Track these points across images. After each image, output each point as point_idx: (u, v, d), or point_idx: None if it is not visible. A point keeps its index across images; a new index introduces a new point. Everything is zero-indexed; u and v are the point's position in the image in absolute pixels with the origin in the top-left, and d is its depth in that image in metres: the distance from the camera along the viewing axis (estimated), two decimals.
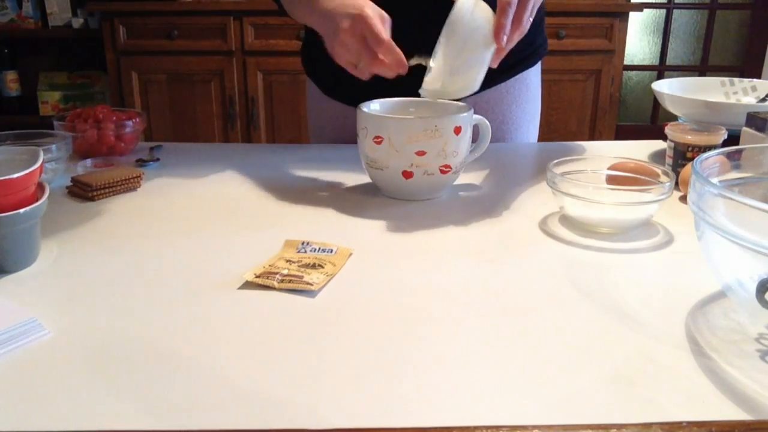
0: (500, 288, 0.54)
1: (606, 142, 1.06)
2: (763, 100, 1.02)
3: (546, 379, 0.41)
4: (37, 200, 0.57)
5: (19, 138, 0.83)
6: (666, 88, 1.00)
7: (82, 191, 0.76)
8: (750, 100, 1.03)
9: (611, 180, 0.71)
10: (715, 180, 0.50)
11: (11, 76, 2.78)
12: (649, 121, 3.27)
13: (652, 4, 3.08)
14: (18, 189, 0.55)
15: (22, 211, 0.55)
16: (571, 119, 2.60)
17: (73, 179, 0.78)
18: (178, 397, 0.40)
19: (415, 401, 0.39)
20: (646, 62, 3.20)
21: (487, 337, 0.46)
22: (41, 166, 0.58)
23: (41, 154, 0.59)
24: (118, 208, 0.74)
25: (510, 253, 0.61)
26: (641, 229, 0.66)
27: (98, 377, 0.41)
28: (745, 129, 0.82)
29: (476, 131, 0.79)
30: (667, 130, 0.82)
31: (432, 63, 0.71)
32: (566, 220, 0.69)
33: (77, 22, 2.69)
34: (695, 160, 0.48)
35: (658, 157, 0.94)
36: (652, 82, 1.06)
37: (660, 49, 3.18)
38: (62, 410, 0.38)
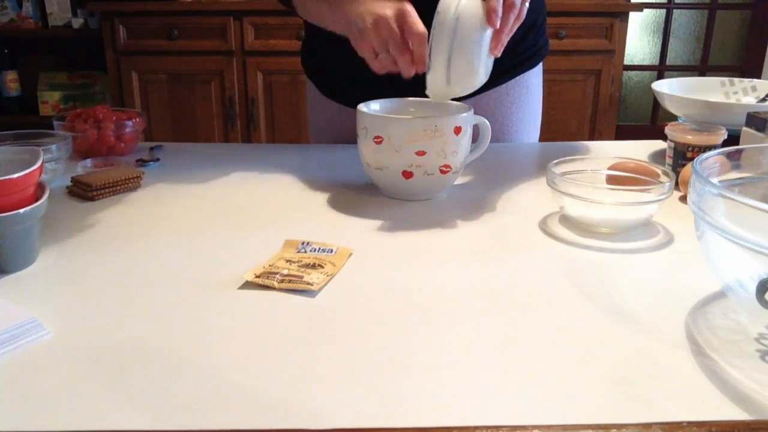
0: (500, 288, 0.54)
1: (606, 142, 1.06)
2: (763, 100, 1.02)
3: (546, 379, 0.41)
4: (37, 200, 0.57)
5: (19, 138, 0.83)
6: (666, 88, 1.00)
7: (82, 191, 0.76)
8: (750, 100, 1.03)
9: (611, 180, 0.71)
10: (715, 180, 0.50)
11: (11, 76, 2.78)
12: (649, 121, 3.26)
13: (652, 4, 3.08)
14: (18, 189, 0.55)
15: (22, 211, 0.55)
16: (571, 119, 2.60)
17: (73, 179, 0.78)
18: (178, 397, 0.40)
19: (415, 401, 0.39)
20: (646, 62, 3.20)
21: (487, 337, 0.46)
22: (41, 166, 0.58)
23: (41, 154, 0.59)
24: (118, 208, 0.74)
25: (510, 253, 0.61)
26: (641, 229, 0.66)
27: (98, 377, 0.41)
28: (745, 129, 0.82)
29: (476, 131, 0.79)
30: (667, 130, 0.82)
31: (430, 63, 0.70)
32: (566, 220, 0.69)
33: (77, 22, 2.69)
34: (695, 160, 0.48)
35: (658, 157, 0.94)
36: (652, 82, 1.06)
37: (660, 49, 3.18)
38: (62, 410, 0.38)
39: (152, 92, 2.55)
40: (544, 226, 0.68)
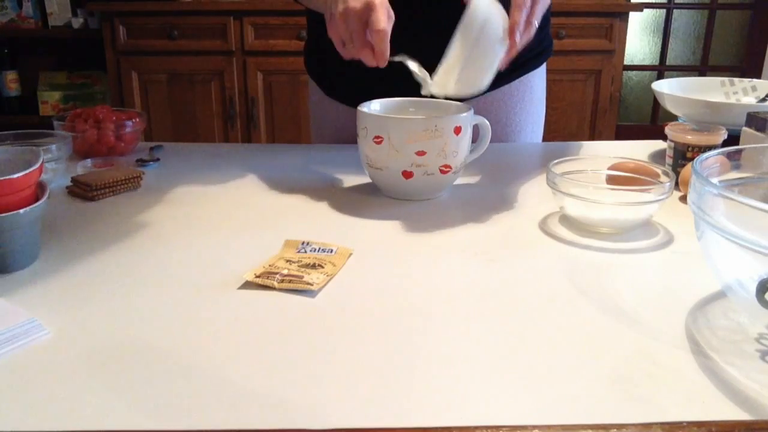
0: (500, 288, 0.54)
1: (606, 142, 1.06)
2: (763, 100, 1.02)
3: (546, 379, 0.41)
4: (37, 200, 0.57)
5: (19, 138, 0.83)
6: (666, 88, 1.00)
7: (82, 191, 0.76)
8: (750, 100, 1.03)
9: (611, 180, 0.71)
10: (715, 180, 0.50)
11: (11, 76, 2.78)
12: (649, 121, 3.27)
13: (652, 4, 3.08)
14: (18, 189, 0.55)
15: (22, 211, 0.55)
16: (571, 119, 2.60)
17: (73, 179, 0.78)
18: (178, 397, 0.40)
19: (415, 401, 0.39)
20: (646, 62, 3.20)
21: (487, 337, 0.46)
22: (41, 166, 0.58)
23: (41, 154, 0.59)
24: (118, 208, 0.74)
25: (510, 253, 0.61)
26: (641, 229, 0.66)
27: (98, 377, 0.41)
28: (745, 129, 0.82)
29: (476, 131, 0.79)
30: (667, 130, 0.82)
31: (444, 60, 0.70)
32: (566, 220, 0.69)
33: (77, 22, 2.69)
34: (695, 160, 0.48)
35: (658, 157, 0.94)
36: (652, 82, 1.06)
37: (660, 49, 3.18)
38: (62, 410, 0.38)
39: (152, 92, 2.55)
40: (544, 226, 0.68)
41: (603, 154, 0.75)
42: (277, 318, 0.49)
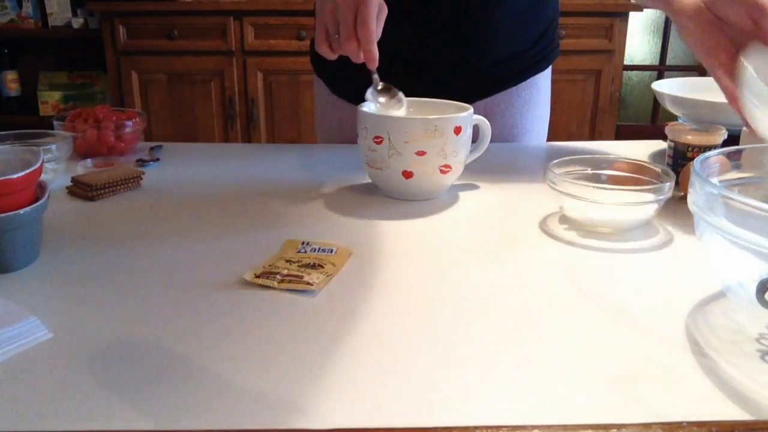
0: (500, 288, 0.54)
1: (606, 142, 1.06)
2: None
3: (546, 379, 0.41)
4: (37, 200, 0.57)
5: (19, 138, 0.83)
6: (666, 88, 1.00)
7: (82, 191, 0.76)
8: None
9: (611, 180, 0.71)
10: (715, 180, 0.50)
11: (11, 76, 2.78)
12: (649, 121, 3.26)
13: None
14: (18, 189, 0.55)
15: (22, 211, 0.55)
16: (571, 119, 2.60)
17: (73, 179, 0.78)
18: (178, 397, 0.40)
19: (415, 401, 0.39)
20: (646, 62, 3.20)
21: (486, 337, 0.46)
22: (41, 166, 0.58)
23: (41, 154, 0.59)
24: (118, 208, 0.74)
25: (510, 253, 0.61)
26: (641, 229, 0.66)
27: (98, 377, 0.41)
28: (745, 129, 0.82)
29: (476, 131, 0.79)
30: (667, 130, 0.82)
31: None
32: (566, 220, 0.69)
33: (77, 22, 2.69)
34: (695, 160, 0.48)
35: (658, 157, 0.94)
36: (652, 82, 1.06)
37: (660, 49, 3.17)
38: (62, 410, 0.38)
39: (152, 92, 2.55)
40: (544, 226, 0.68)
41: (603, 154, 0.75)
42: (277, 318, 0.49)
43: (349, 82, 1.01)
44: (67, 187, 0.79)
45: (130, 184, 0.80)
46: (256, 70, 2.51)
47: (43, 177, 0.60)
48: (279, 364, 0.43)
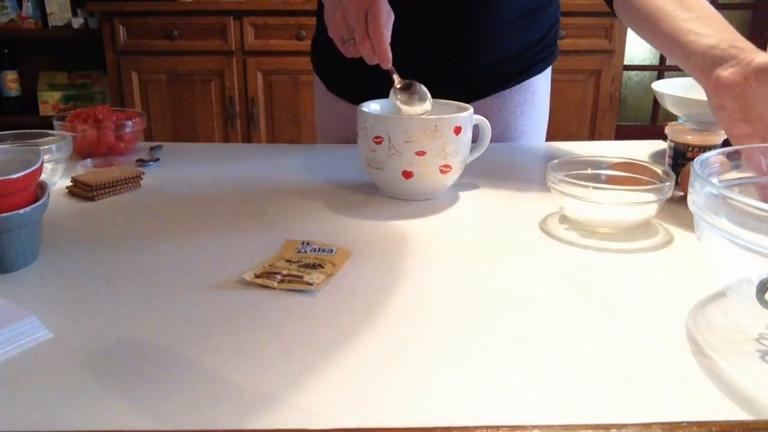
0: (500, 288, 0.54)
1: (606, 142, 1.06)
2: None
3: (546, 379, 0.41)
4: (37, 200, 0.57)
5: (19, 138, 0.83)
6: (666, 88, 0.99)
7: (82, 191, 0.76)
8: None
9: (611, 180, 0.71)
10: (715, 180, 0.50)
11: (11, 76, 2.78)
12: (649, 121, 3.26)
13: None
14: (18, 189, 0.55)
15: (22, 211, 0.55)
16: (571, 119, 2.60)
17: (73, 179, 0.78)
18: (178, 397, 0.40)
19: (415, 401, 0.39)
20: (646, 62, 3.20)
21: (486, 337, 0.46)
22: (41, 166, 0.58)
23: (41, 154, 0.59)
24: (118, 208, 0.74)
25: (510, 253, 0.61)
26: (641, 229, 0.66)
27: (98, 377, 0.41)
28: None
29: (476, 131, 0.79)
30: (667, 130, 0.82)
31: None
32: (566, 220, 0.69)
33: (77, 22, 2.69)
34: (695, 160, 0.48)
35: (658, 157, 0.94)
36: (652, 82, 1.06)
37: None
38: (62, 410, 0.38)
39: (152, 92, 2.55)
40: (544, 226, 0.68)
41: (603, 154, 0.75)
42: (277, 318, 0.49)
43: (347, 81, 1.01)
44: (67, 187, 0.79)
45: (130, 184, 0.80)
46: (256, 70, 2.51)
47: (43, 177, 0.60)
48: (279, 365, 0.43)
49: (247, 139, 2.59)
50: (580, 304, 0.51)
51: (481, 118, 0.79)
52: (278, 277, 0.54)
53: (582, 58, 2.52)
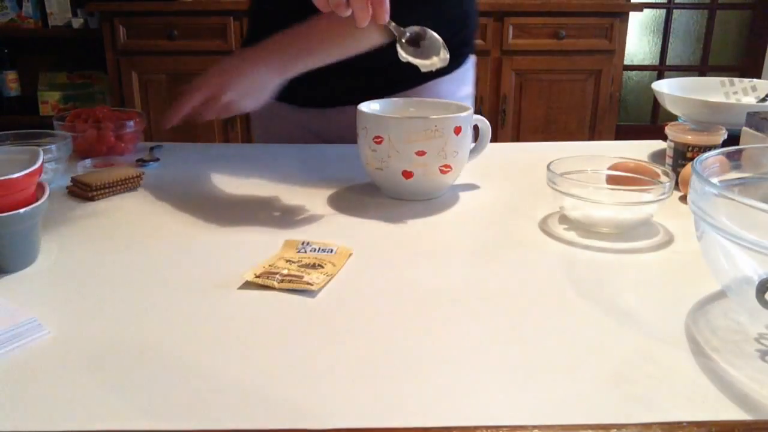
0: (500, 288, 0.54)
1: (606, 142, 1.06)
2: (763, 100, 1.02)
3: (546, 379, 0.41)
4: (37, 200, 0.57)
5: (19, 138, 0.83)
6: (666, 88, 1.00)
7: (82, 191, 0.76)
8: (750, 100, 1.03)
9: (611, 180, 0.71)
10: (715, 180, 0.50)
11: (11, 76, 2.78)
12: (649, 121, 3.27)
13: (652, 4, 3.08)
14: (18, 189, 0.55)
15: (22, 211, 0.55)
16: (571, 119, 2.60)
17: (73, 179, 0.78)
18: (178, 397, 0.40)
19: (415, 401, 0.39)
20: (646, 62, 3.20)
21: (487, 337, 0.46)
22: (41, 166, 0.58)
23: (41, 154, 0.59)
24: (118, 208, 0.74)
25: (510, 253, 0.61)
26: (641, 229, 0.66)
27: (98, 377, 0.41)
28: (745, 129, 0.82)
29: (476, 131, 0.79)
30: (667, 130, 0.82)
31: None
32: (566, 220, 0.69)
33: (77, 22, 2.69)
34: (695, 160, 0.48)
35: (658, 157, 0.94)
36: (652, 82, 1.06)
37: (660, 49, 3.18)
38: (62, 410, 0.38)
39: (152, 92, 2.55)
40: (544, 226, 0.68)
41: (603, 154, 0.75)
42: (277, 318, 0.49)
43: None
44: (67, 187, 0.79)
45: (129, 184, 0.80)
46: None
47: (43, 177, 0.60)
48: (279, 364, 0.43)
49: (247, 139, 2.59)
50: (580, 304, 0.51)
51: (481, 118, 0.79)
52: (278, 277, 0.54)
53: (582, 58, 2.52)
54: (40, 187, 0.59)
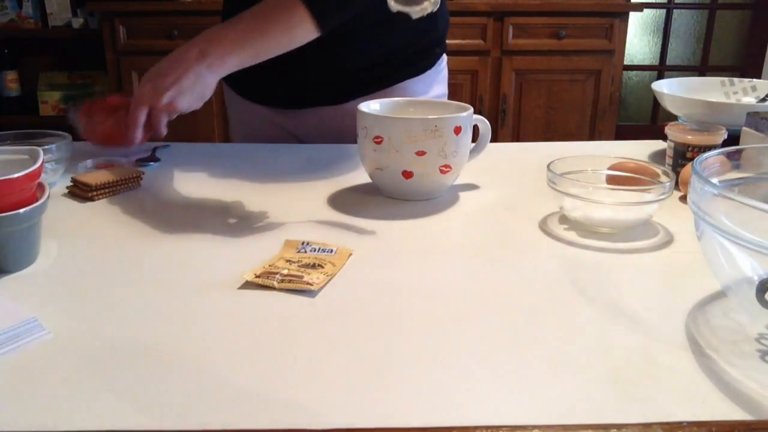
0: (500, 288, 0.54)
1: (606, 142, 1.06)
2: (763, 100, 1.02)
3: (546, 379, 0.41)
4: (37, 200, 0.57)
5: (19, 138, 0.83)
6: (666, 88, 1.00)
7: (82, 191, 0.76)
8: (750, 100, 1.03)
9: (611, 180, 0.71)
10: (715, 180, 0.50)
11: (11, 76, 2.77)
12: (649, 121, 3.26)
13: (652, 4, 3.08)
14: (18, 189, 0.55)
15: (22, 211, 0.55)
16: (571, 119, 2.59)
17: (73, 179, 0.78)
18: (178, 397, 0.40)
19: (415, 401, 0.39)
20: (646, 62, 3.20)
21: (487, 337, 0.46)
22: (41, 166, 0.58)
23: (41, 154, 0.59)
24: (118, 208, 0.74)
25: (510, 253, 0.61)
26: (641, 229, 0.66)
27: (98, 377, 0.41)
28: (745, 129, 0.82)
29: (476, 131, 0.79)
30: (667, 130, 0.82)
31: None
32: (566, 220, 0.69)
33: (77, 22, 2.69)
34: (695, 160, 0.48)
35: (658, 157, 0.94)
36: (652, 82, 1.06)
37: (660, 49, 3.18)
38: (62, 410, 0.38)
39: None
40: (544, 226, 0.68)
41: (603, 154, 0.75)
42: (277, 318, 0.49)
43: (255, 84, 1.02)
44: (67, 187, 0.79)
45: (129, 184, 0.80)
46: None
47: (43, 177, 0.60)
48: (279, 364, 0.43)
49: None
50: (580, 304, 0.51)
51: (481, 118, 0.79)
52: (278, 277, 0.54)
53: (582, 58, 2.52)
54: (40, 187, 0.59)
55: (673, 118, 1.00)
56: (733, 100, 1.04)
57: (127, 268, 0.58)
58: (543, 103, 2.57)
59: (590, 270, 0.57)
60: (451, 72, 1.13)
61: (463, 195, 0.78)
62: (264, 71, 0.84)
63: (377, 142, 0.72)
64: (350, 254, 0.60)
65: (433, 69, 1.04)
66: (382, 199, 0.77)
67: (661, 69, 3.18)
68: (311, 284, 0.53)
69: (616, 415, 0.38)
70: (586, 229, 0.66)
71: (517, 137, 2.59)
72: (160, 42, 2.48)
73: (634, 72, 3.20)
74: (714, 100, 0.94)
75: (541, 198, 0.76)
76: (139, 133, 0.76)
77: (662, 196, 0.63)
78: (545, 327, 0.48)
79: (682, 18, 3.15)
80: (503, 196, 0.77)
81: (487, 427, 0.37)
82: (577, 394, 0.40)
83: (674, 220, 0.68)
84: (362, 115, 0.74)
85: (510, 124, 2.59)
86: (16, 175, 0.54)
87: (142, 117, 0.76)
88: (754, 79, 1.05)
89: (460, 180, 0.82)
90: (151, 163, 0.90)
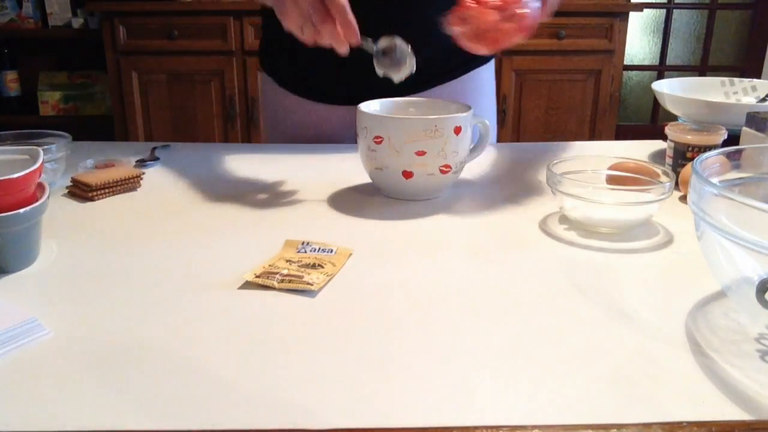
0: (500, 288, 0.54)
1: (606, 142, 1.06)
2: (763, 100, 1.02)
3: (546, 379, 0.41)
4: (37, 200, 0.57)
5: (19, 138, 0.83)
6: (666, 88, 1.00)
7: (82, 191, 0.76)
8: (750, 100, 1.03)
9: (611, 180, 0.71)
10: (715, 180, 0.50)
11: (11, 76, 2.78)
12: (649, 121, 3.26)
13: (652, 4, 3.08)
14: (18, 189, 0.55)
15: (22, 211, 0.55)
16: (571, 119, 2.59)
17: (73, 179, 0.78)
18: (178, 397, 0.40)
19: (415, 401, 0.39)
20: (646, 62, 3.20)
21: (487, 337, 0.46)
22: (41, 166, 0.58)
23: (41, 154, 0.59)
24: (118, 208, 0.74)
25: (510, 253, 0.61)
26: (641, 229, 0.66)
27: (98, 377, 0.41)
28: (745, 129, 0.82)
29: (476, 131, 0.79)
30: (667, 130, 0.82)
31: None
32: (566, 220, 0.69)
33: (77, 22, 2.69)
34: (695, 160, 0.48)
35: (658, 157, 0.94)
36: (652, 82, 1.06)
37: (660, 49, 3.18)
38: (62, 410, 0.38)
39: (152, 92, 2.55)
40: (544, 226, 0.68)
41: (603, 154, 0.75)
42: (277, 318, 0.49)
43: (298, 75, 1.01)
44: (67, 187, 0.79)
45: (129, 184, 0.80)
46: (256, 70, 2.51)
47: (43, 177, 0.60)
48: (279, 364, 0.43)
49: (247, 139, 2.59)
50: (580, 303, 0.51)
51: (481, 118, 0.79)
52: (278, 277, 0.54)
53: (582, 58, 2.52)
54: (40, 187, 0.59)
55: (673, 118, 1.00)
56: (733, 100, 1.04)
57: (127, 268, 0.58)
58: (543, 103, 2.57)
59: (590, 270, 0.57)
60: None
61: (463, 195, 0.78)
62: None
63: (377, 142, 0.72)
64: (350, 254, 0.60)
65: (479, 75, 1.04)
66: (382, 199, 0.77)
67: (661, 69, 3.19)
68: (311, 284, 0.53)
69: (616, 415, 0.38)
70: (586, 229, 0.66)
71: (517, 137, 2.59)
72: (160, 42, 2.48)
73: (634, 72, 3.20)
74: (714, 100, 0.94)
75: (541, 198, 0.76)
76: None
77: (662, 196, 0.63)
78: (545, 327, 0.48)
79: (682, 18, 3.15)
80: (503, 197, 0.77)
81: (487, 427, 0.37)
82: (577, 394, 0.40)
83: (674, 220, 0.68)
84: (362, 115, 0.74)
85: (510, 124, 2.59)
86: (16, 175, 0.54)
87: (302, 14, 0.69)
88: (754, 79, 1.05)
89: (460, 180, 0.82)
90: (151, 163, 0.90)
